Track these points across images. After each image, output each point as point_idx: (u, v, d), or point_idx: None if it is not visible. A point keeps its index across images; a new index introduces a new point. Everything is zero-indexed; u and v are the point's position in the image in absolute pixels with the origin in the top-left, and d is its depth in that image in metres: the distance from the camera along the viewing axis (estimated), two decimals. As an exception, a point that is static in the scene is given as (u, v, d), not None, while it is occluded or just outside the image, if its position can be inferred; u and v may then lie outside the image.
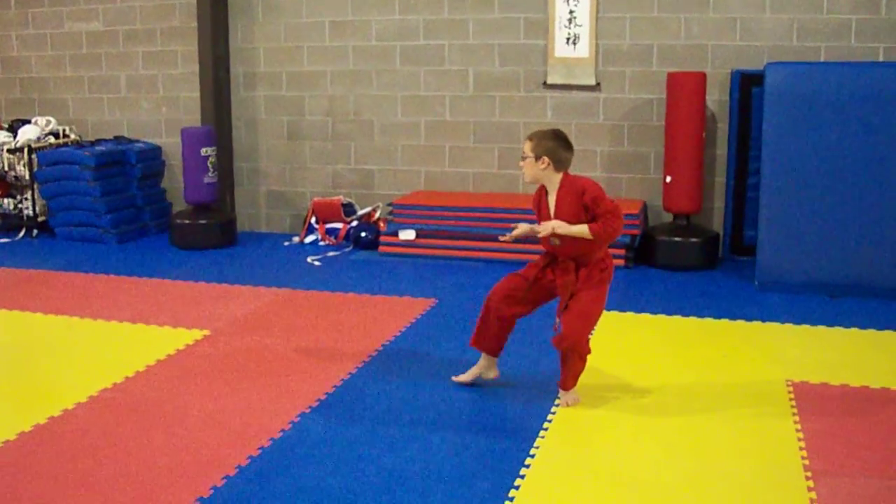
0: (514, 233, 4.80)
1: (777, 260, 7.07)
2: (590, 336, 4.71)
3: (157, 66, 9.74)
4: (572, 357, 4.68)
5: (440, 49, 8.79)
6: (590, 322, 4.70)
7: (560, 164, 4.63)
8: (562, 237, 4.61)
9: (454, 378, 5.04)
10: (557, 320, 4.68)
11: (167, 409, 4.67)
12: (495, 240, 7.87)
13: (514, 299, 4.82)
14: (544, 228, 4.59)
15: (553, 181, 4.67)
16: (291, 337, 5.93)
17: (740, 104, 7.88)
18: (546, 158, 4.61)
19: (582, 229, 4.53)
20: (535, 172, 4.66)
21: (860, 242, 6.87)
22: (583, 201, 4.56)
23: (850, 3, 7.64)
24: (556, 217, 4.63)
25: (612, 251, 7.60)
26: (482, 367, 5.03)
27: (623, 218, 4.63)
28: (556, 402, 4.75)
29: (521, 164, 4.71)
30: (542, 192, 4.77)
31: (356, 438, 4.30)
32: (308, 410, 4.65)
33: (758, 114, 7.56)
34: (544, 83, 8.52)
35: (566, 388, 4.75)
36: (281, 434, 4.35)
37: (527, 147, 4.67)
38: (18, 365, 5.44)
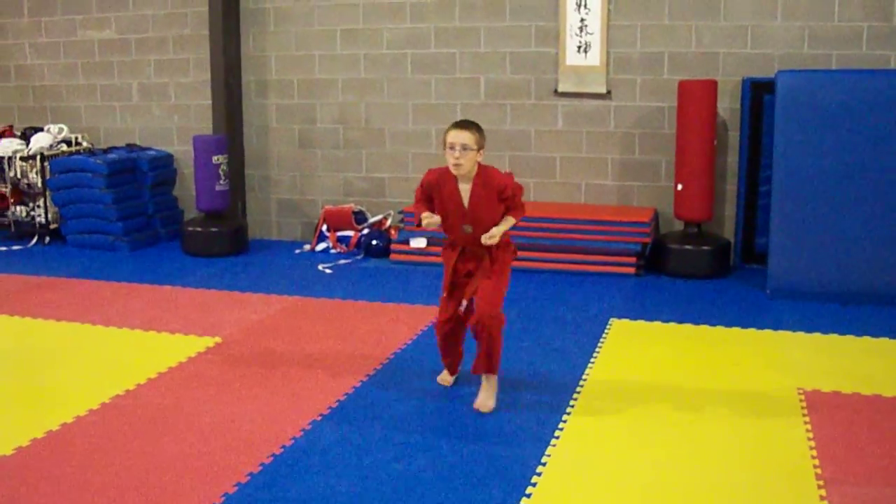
0: (427, 222, 4.64)
1: (788, 268, 7.05)
2: (502, 308, 4.73)
3: (168, 75, 9.78)
4: (493, 334, 4.66)
5: (451, 57, 8.80)
6: (503, 295, 4.73)
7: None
8: (474, 225, 4.63)
9: (439, 380, 5.19)
10: (465, 302, 4.78)
11: (179, 417, 4.69)
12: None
13: (458, 318, 4.89)
14: (490, 238, 4.57)
15: (473, 171, 4.62)
16: (302, 344, 5.94)
17: (751, 112, 7.87)
18: (482, 150, 4.60)
19: (509, 223, 4.65)
20: (472, 165, 4.59)
21: (872, 250, 6.86)
22: (503, 195, 4.61)
23: (861, 11, 7.63)
24: (471, 208, 4.61)
25: (622, 259, 7.72)
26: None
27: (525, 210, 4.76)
28: (568, 410, 4.74)
29: (459, 156, 4.51)
30: (450, 180, 4.65)
31: (368, 446, 4.31)
32: (319, 418, 4.66)
33: (769, 121, 7.56)
34: (555, 91, 8.53)
35: (492, 371, 4.75)
36: (292, 441, 4.36)
37: (469, 139, 4.53)
38: (31, 372, 5.46)
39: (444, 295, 4.90)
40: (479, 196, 4.60)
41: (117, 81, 10.00)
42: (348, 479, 3.95)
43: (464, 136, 4.51)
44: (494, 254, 4.71)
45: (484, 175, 4.61)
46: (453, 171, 4.56)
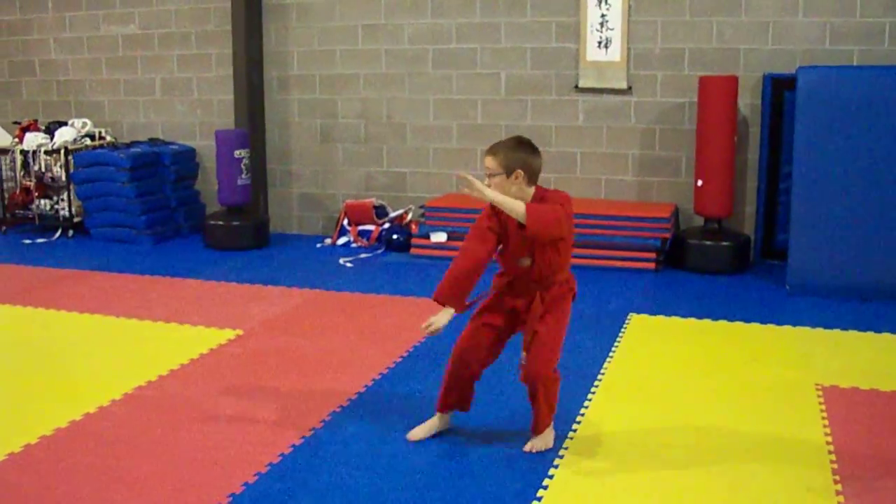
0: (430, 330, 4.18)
1: (808, 264, 7.04)
2: (557, 364, 4.16)
3: (191, 69, 9.85)
4: (549, 397, 4.16)
5: (472, 53, 8.82)
6: (557, 348, 4.12)
7: (534, 175, 4.03)
8: (534, 258, 4.04)
9: (409, 437, 4.33)
10: (524, 354, 4.10)
11: (200, 407, 4.74)
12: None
13: (486, 354, 4.23)
14: (469, 186, 3.92)
15: (526, 198, 4.00)
16: (323, 337, 5.99)
17: (772, 108, 7.85)
18: (520, 172, 3.97)
19: (514, 203, 3.88)
20: (507, 191, 3.96)
21: (892, 247, 6.83)
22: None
23: (883, 6, 7.60)
24: (530, 241, 3.99)
25: (641, 254, 7.72)
26: (441, 423, 4.41)
27: (564, 222, 3.95)
28: (586, 404, 4.75)
29: (488, 183, 3.98)
30: (502, 212, 4.03)
31: (386, 439, 4.33)
32: (339, 410, 4.69)
33: (790, 118, 7.55)
34: (576, 87, 8.53)
35: (539, 431, 4.20)
36: (312, 432, 4.40)
37: (492, 162, 3.98)
38: (54, 362, 5.52)
39: (478, 321, 4.23)
40: None
41: (140, 76, 10.08)
42: (366, 472, 3.99)
43: (487, 161, 4.03)
44: (549, 292, 4.10)
45: (541, 199, 4.02)
46: None
